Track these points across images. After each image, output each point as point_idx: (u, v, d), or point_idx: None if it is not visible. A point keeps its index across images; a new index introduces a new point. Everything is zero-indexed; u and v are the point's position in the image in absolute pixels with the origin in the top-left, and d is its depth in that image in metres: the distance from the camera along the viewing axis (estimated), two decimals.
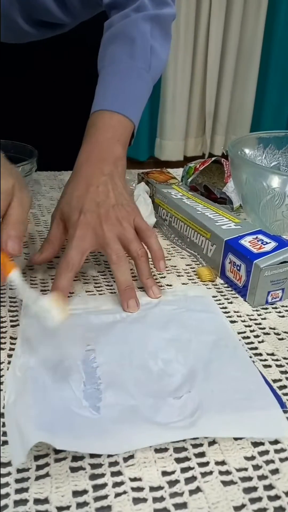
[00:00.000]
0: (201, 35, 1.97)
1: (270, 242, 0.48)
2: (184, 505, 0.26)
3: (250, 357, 0.38)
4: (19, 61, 0.80)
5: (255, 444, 0.31)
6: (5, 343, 0.39)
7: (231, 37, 2.00)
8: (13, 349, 0.38)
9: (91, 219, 0.45)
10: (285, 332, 0.42)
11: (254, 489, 0.28)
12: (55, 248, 0.47)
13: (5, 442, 0.30)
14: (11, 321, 0.42)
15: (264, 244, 0.47)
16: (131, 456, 0.29)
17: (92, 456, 0.29)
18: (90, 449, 0.28)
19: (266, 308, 0.46)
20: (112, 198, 0.47)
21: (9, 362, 0.36)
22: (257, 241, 0.48)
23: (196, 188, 0.65)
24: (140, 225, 0.47)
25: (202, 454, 0.30)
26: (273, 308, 0.46)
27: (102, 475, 0.28)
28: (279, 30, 1.99)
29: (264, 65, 2.07)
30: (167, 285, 0.49)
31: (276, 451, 0.30)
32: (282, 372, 0.37)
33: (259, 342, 0.41)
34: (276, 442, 0.31)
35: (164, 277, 0.51)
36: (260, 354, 0.39)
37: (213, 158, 0.65)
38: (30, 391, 0.32)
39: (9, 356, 0.37)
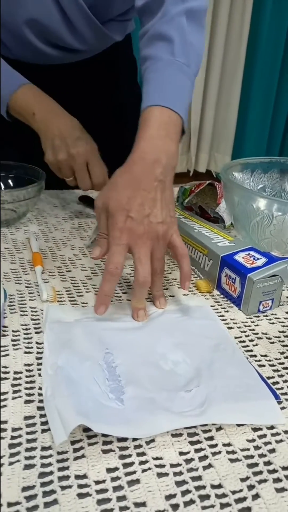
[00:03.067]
0: None
1: (261, 258, 0.54)
2: (199, 477, 0.32)
3: (246, 358, 0.44)
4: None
5: (255, 429, 0.36)
6: (32, 347, 0.44)
7: (215, 58, 2.10)
8: (39, 352, 0.43)
9: (136, 228, 0.46)
10: (275, 337, 0.48)
11: (256, 464, 0.33)
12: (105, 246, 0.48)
13: (44, 430, 0.35)
14: (34, 328, 0.47)
15: (256, 260, 0.54)
16: (152, 440, 0.34)
17: (119, 440, 0.34)
18: (120, 433, 0.34)
19: (258, 316, 0.52)
20: (159, 212, 0.48)
21: (38, 364, 0.41)
22: (250, 257, 0.55)
23: (192, 208, 0.72)
24: (175, 243, 0.49)
25: (211, 438, 0.35)
26: (264, 316, 0.52)
27: (129, 455, 0.33)
28: (261, 51, 2.10)
29: (246, 86, 2.17)
30: (170, 296, 0.55)
31: (273, 435, 0.36)
32: (274, 370, 0.43)
33: (253, 345, 0.47)
34: (272, 427, 0.37)
35: (167, 288, 0.56)
36: (255, 356, 0.45)
37: (207, 182, 0.72)
38: (64, 385, 0.37)
39: (37, 358, 0.42)
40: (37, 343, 0.44)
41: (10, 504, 0.29)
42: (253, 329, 0.50)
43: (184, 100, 0.55)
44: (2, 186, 0.73)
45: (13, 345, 0.44)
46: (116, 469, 0.32)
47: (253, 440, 0.35)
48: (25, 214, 0.71)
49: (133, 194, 0.47)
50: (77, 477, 0.31)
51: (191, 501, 0.30)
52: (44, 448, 0.33)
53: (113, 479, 0.31)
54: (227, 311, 0.53)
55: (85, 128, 0.68)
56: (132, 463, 0.33)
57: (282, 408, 0.39)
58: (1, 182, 0.73)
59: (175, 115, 0.52)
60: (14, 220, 0.70)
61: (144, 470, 0.32)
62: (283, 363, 0.44)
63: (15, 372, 0.40)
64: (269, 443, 0.35)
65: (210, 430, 0.36)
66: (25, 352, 0.43)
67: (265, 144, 2.31)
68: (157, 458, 0.33)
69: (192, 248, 0.61)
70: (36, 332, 0.46)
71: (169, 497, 0.30)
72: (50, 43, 0.73)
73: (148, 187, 0.48)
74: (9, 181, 0.73)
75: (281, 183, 0.78)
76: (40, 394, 0.38)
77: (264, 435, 0.36)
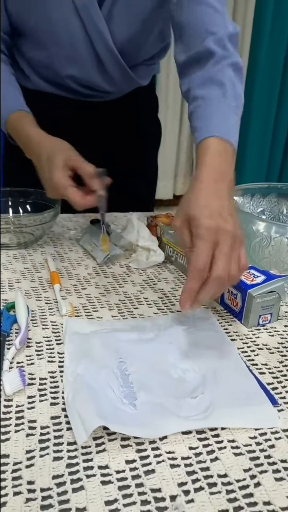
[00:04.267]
0: None
1: (260, 276, 0.59)
2: (207, 468, 0.36)
3: (248, 366, 0.49)
4: (46, 111, 0.87)
5: (257, 428, 0.41)
6: (54, 357, 0.48)
7: None
8: (61, 361, 0.48)
9: (223, 224, 0.48)
10: (274, 348, 0.53)
11: (257, 458, 0.37)
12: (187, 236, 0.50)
13: (69, 428, 0.39)
14: (55, 340, 0.51)
15: (255, 277, 0.59)
16: (165, 437, 0.39)
17: (136, 437, 0.38)
18: (134, 434, 0.38)
19: (259, 329, 0.57)
20: (232, 218, 0.50)
21: (60, 371, 0.46)
22: (250, 274, 0.60)
23: None
24: (242, 259, 0.50)
25: (217, 435, 0.39)
26: (264, 329, 0.57)
27: (145, 449, 0.37)
28: (259, 80, 2.20)
29: (245, 113, 2.27)
30: (177, 311, 0.60)
31: (272, 433, 0.40)
32: (273, 377, 0.48)
33: (254, 355, 0.51)
34: (272, 427, 0.41)
35: (174, 305, 0.61)
36: (256, 364, 0.50)
37: None
38: (84, 391, 0.42)
39: (59, 366, 0.47)
40: (58, 353, 0.49)
41: (42, 490, 0.34)
42: (254, 341, 0.54)
43: (236, 133, 0.60)
44: (21, 211, 0.79)
45: (37, 355, 0.49)
46: (134, 460, 0.36)
47: (255, 437, 0.39)
48: (42, 236, 0.77)
49: (209, 202, 0.50)
50: (100, 467, 0.36)
51: (200, 488, 0.34)
52: (69, 443, 0.38)
53: (132, 469, 0.36)
54: (230, 325, 0.57)
55: (103, 160, 0.71)
56: (147, 456, 0.37)
57: (281, 410, 0.43)
58: (20, 207, 0.79)
59: (230, 146, 0.57)
60: (31, 242, 0.75)
61: (158, 462, 0.36)
62: (281, 371, 0.49)
63: (41, 379, 0.45)
64: (269, 439, 0.39)
65: (216, 429, 0.40)
66: (48, 361, 0.48)
67: (265, 167, 2.39)
68: (169, 452, 0.37)
69: None
70: (57, 344, 0.51)
71: (181, 484, 0.35)
72: (81, 84, 0.81)
73: (219, 197, 0.51)
74: (27, 206, 0.79)
75: (279, 207, 0.84)
76: (64, 397, 0.42)
77: (265, 433, 0.40)
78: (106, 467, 0.36)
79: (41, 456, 0.36)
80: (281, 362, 0.50)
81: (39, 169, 0.68)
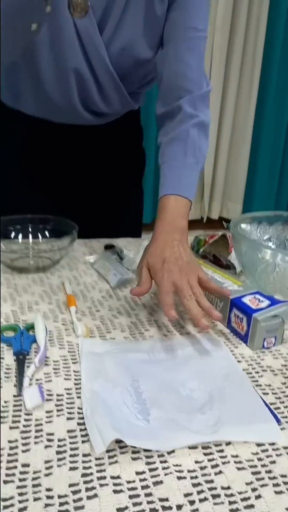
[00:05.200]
0: None
1: (265, 301, 0.62)
2: (211, 481, 0.39)
3: (253, 387, 0.52)
4: (53, 139, 0.94)
5: (259, 445, 0.43)
6: (70, 375, 0.52)
7: (226, 117, 2.28)
8: (77, 379, 0.51)
9: (173, 267, 0.63)
10: (278, 369, 0.56)
11: (259, 472, 0.40)
12: (148, 286, 0.64)
13: (84, 441, 0.42)
14: (71, 359, 0.55)
15: (260, 302, 0.62)
16: (173, 451, 0.42)
17: (145, 450, 0.41)
18: (147, 447, 0.41)
19: (263, 352, 0.59)
20: (184, 257, 0.65)
21: (76, 388, 0.49)
22: (255, 299, 0.63)
23: (206, 256, 0.81)
24: (202, 278, 0.64)
25: (221, 450, 0.42)
26: (268, 351, 0.60)
27: (154, 462, 0.40)
28: (268, 112, 2.27)
29: (255, 142, 2.33)
30: (186, 333, 0.63)
31: (273, 449, 0.43)
32: (276, 398, 0.50)
33: (259, 376, 0.54)
34: (273, 444, 0.43)
35: (182, 327, 0.65)
36: (260, 385, 0.52)
37: (220, 234, 0.82)
38: (100, 407, 0.45)
39: (75, 384, 0.50)
40: (74, 371, 0.53)
41: (60, 496, 0.37)
42: (259, 363, 0.57)
43: (192, 188, 0.74)
44: (40, 237, 0.84)
45: (55, 372, 0.52)
46: (143, 472, 0.39)
47: (257, 453, 0.42)
48: (59, 261, 0.81)
49: (163, 250, 0.65)
50: (112, 477, 0.39)
51: (205, 498, 0.37)
52: (84, 455, 0.41)
53: (141, 480, 0.38)
54: (236, 347, 0.60)
55: (92, 183, 0.76)
56: (156, 468, 0.40)
57: (283, 429, 0.45)
58: (39, 233, 0.84)
59: (186, 200, 0.71)
60: (49, 267, 0.80)
61: (166, 474, 0.39)
62: (284, 392, 0.51)
63: (58, 395, 0.48)
64: (270, 455, 0.42)
65: (220, 444, 0.43)
66: (65, 379, 0.51)
67: (275, 193, 2.43)
68: (176, 465, 0.40)
69: (206, 292, 0.69)
70: (73, 362, 0.54)
71: (186, 494, 0.37)
72: (85, 105, 0.86)
73: (172, 245, 0.66)
74: (46, 232, 0.84)
75: (284, 234, 0.87)
76: (79, 413, 0.46)
77: (266, 450, 0.43)
78: (118, 477, 0.39)
79: (59, 466, 0.40)
80: (284, 383, 0.53)
81: None
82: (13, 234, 0.83)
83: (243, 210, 2.46)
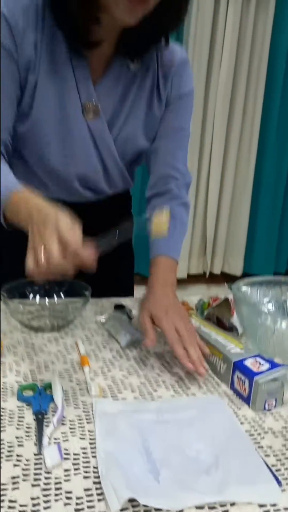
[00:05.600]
0: (203, 177, 2.40)
1: (265, 364, 0.67)
2: None
3: (255, 449, 0.55)
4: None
5: (261, 505, 0.47)
6: (85, 434, 0.56)
7: (227, 177, 2.41)
8: (91, 438, 0.55)
9: (174, 316, 0.76)
10: (278, 431, 0.59)
11: None
12: (154, 334, 0.74)
13: (99, 500, 0.46)
14: (86, 418, 0.59)
15: (261, 365, 0.67)
16: (181, 511, 0.45)
17: (156, 509, 0.45)
18: (158, 506, 0.45)
19: (265, 414, 0.63)
20: (179, 305, 0.80)
21: (91, 448, 0.53)
22: (256, 362, 0.68)
23: (210, 318, 0.87)
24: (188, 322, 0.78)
25: (226, 511, 0.46)
26: (270, 413, 0.64)
27: None
28: (266, 175, 2.41)
29: (254, 201, 2.46)
30: (192, 394, 0.67)
31: (274, 510, 0.46)
32: (277, 460, 0.54)
33: (261, 438, 0.58)
34: (274, 504, 0.47)
35: (189, 388, 0.69)
36: (262, 447, 0.56)
37: (223, 297, 0.88)
38: (115, 467, 0.49)
39: (90, 443, 0.54)
40: (89, 431, 0.57)
41: None
42: (261, 425, 0.61)
43: (178, 251, 0.90)
44: (55, 298, 0.90)
45: (71, 432, 0.56)
46: None
47: None
48: (73, 320, 0.87)
49: (162, 300, 0.80)
50: None
51: None
52: None
53: None
54: (240, 409, 0.64)
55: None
56: None
57: (283, 490, 0.49)
58: (55, 294, 0.90)
59: (174, 261, 0.88)
60: (64, 326, 0.85)
61: None
62: (284, 454, 0.55)
63: (74, 454, 0.52)
64: None
65: (225, 505, 0.46)
66: (80, 438, 0.55)
67: (274, 250, 2.52)
68: None
69: (211, 353, 0.74)
70: (87, 422, 0.58)
71: None
72: (87, 188, 0.95)
73: (171, 297, 0.82)
74: (61, 293, 0.91)
75: (283, 297, 0.93)
76: (94, 472, 0.50)
77: (268, 511, 0.46)
78: None
79: None
80: (284, 445, 0.57)
81: (37, 222, 0.62)
82: (31, 296, 0.89)
83: (244, 265, 2.54)
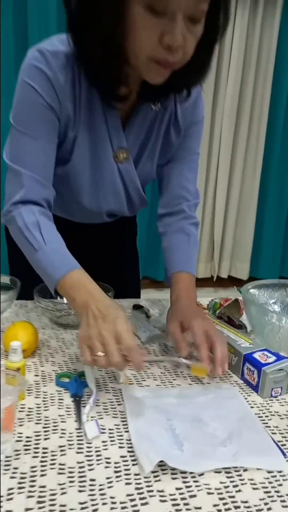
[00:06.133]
0: (210, 185, 2.49)
1: (272, 356, 0.76)
2: (233, 496, 0.51)
3: (264, 427, 0.64)
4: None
5: (269, 471, 0.55)
6: (116, 413, 0.65)
7: (234, 186, 2.51)
8: (122, 417, 0.64)
9: (203, 319, 0.81)
10: (284, 414, 0.68)
11: (269, 491, 0.52)
12: (186, 344, 0.79)
13: (134, 464, 0.55)
14: (116, 401, 0.68)
15: (268, 358, 0.76)
16: (202, 473, 0.54)
17: (182, 472, 0.54)
18: (183, 468, 0.54)
19: (272, 400, 0.72)
20: (205, 317, 0.85)
21: (123, 424, 0.63)
22: (264, 355, 0.77)
23: (221, 317, 0.96)
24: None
25: (240, 475, 0.55)
26: (276, 400, 0.72)
27: (188, 481, 0.53)
28: (272, 178, 2.51)
29: (260, 209, 2.55)
30: (207, 382, 0.76)
31: (280, 476, 0.55)
32: (282, 437, 0.63)
33: (268, 420, 0.67)
34: (280, 471, 0.56)
35: (203, 377, 0.78)
36: (269, 426, 0.65)
37: (233, 298, 0.97)
38: (145, 438, 0.58)
39: (122, 421, 0.63)
40: (120, 411, 0.66)
41: (121, 502, 0.49)
42: (268, 409, 0.70)
43: (194, 266, 0.95)
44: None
45: (105, 411, 0.66)
46: (181, 488, 0.52)
47: (268, 478, 0.54)
48: None
49: (189, 308, 0.85)
50: (158, 491, 0.51)
51: (229, 509, 0.49)
52: (135, 474, 0.53)
53: (180, 493, 0.51)
54: (249, 395, 0.73)
55: (93, 267, 0.85)
56: (191, 486, 0.52)
57: (287, 460, 0.58)
58: None
59: (191, 275, 0.93)
60: None
61: (199, 490, 0.52)
62: None
63: (109, 429, 0.62)
64: (278, 480, 0.54)
65: (239, 470, 0.55)
66: (113, 417, 0.64)
67: (280, 254, 2.61)
68: (206, 484, 0.53)
69: None
70: (118, 404, 0.68)
71: (215, 505, 0.50)
72: (111, 215, 1.03)
73: (198, 307, 0.90)
74: None
75: None
76: (128, 443, 0.59)
77: (275, 475, 0.55)
78: (162, 491, 0.51)
79: (117, 481, 0.52)
80: None
81: (94, 316, 0.68)
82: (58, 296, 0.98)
83: (251, 269, 2.62)
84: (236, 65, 2.34)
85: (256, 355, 0.77)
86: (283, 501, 0.51)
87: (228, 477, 0.54)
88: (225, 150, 2.46)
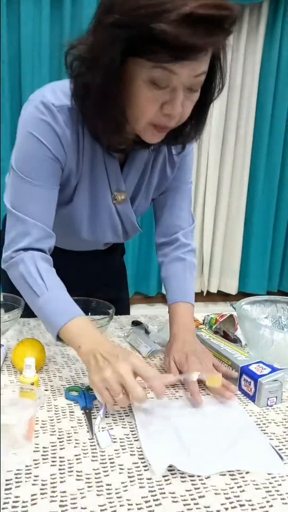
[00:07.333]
0: (199, 204, 2.58)
1: (266, 368, 0.82)
2: (238, 496, 0.56)
3: (262, 434, 0.69)
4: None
5: (269, 473, 0.61)
6: (125, 424, 0.70)
7: (222, 204, 2.60)
8: (131, 427, 0.69)
9: (194, 359, 0.82)
10: (280, 422, 0.74)
11: (270, 491, 0.57)
12: (177, 373, 0.81)
13: (146, 470, 0.59)
14: (124, 413, 0.73)
15: (263, 369, 0.81)
16: (209, 476, 0.59)
17: (190, 475, 0.59)
18: (192, 472, 0.59)
19: (268, 409, 0.78)
20: (200, 348, 0.87)
21: (132, 434, 0.67)
22: (259, 367, 0.82)
23: (217, 332, 1.02)
24: (215, 363, 0.85)
25: (243, 477, 0.60)
26: (272, 408, 0.78)
27: (197, 483, 0.58)
28: (258, 196, 2.61)
29: (248, 226, 2.64)
30: (207, 394, 0.81)
31: (279, 477, 0.60)
32: (279, 442, 0.68)
33: (266, 427, 0.72)
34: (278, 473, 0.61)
35: (204, 389, 0.83)
36: (267, 433, 0.70)
37: (228, 314, 1.03)
38: (156, 445, 0.63)
39: (131, 431, 0.68)
40: (128, 422, 0.70)
41: (136, 504, 0.54)
42: (265, 417, 0.75)
43: (192, 294, 0.99)
44: None
45: (114, 422, 0.70)
46: (190, 490, 0.57)
47: (268, 479, 0.60)
48: None
49: (183, 347, 0.86)
50: (169, 492, 0.56)
51: (234, 507, 0.54)
52: (148, 478, 0.58)
53: (190, 495, 0.56)
54: (247, 405, 0.79)
55: (83, 286, 0.92)
56: (199, 488, 0.57)
57: (285, 463, 0.63)
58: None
59: (189, 304, 0.96)
60: None
61: (206, 491, 0.57)
62: (285, 438, 0.69)
63: (120, 438, 0.66)
64: (277, 480, 0.59)
65: (242, 473, 0.60)
66: (122, 427, 0.69)
67: (267, 269, 2.70)
68: (213, 485, 0.58)
69: (221, 360, 0.89)
70: (126, 415, 0.72)
71: (222, 503, 0.55)
72: (107, 244, 1.08)
73: (195, 342, 0.89)
74: (89, 312, 1.05)
75: (278, 313, 1.08)
76: (138, 450, 0.63)
77: (274, 477, 0.60)
78: (174, 492, 0.56)
79: (132, 485, 0.57)
80: (284, 431, 0.71)
81: (104, 359, 0.70)
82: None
83: (239, 284, 2.70)
84: None
85: (252, 367, 0.82)
86: (283, 499, 0.56)
87: (232, 479, 0.59)
88: (212, 168, 2.56)
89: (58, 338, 0.78)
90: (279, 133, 2.58)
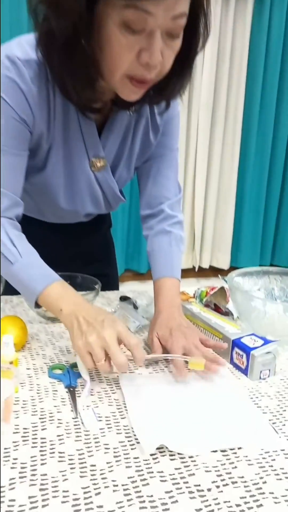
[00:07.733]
0: (189, 177, 2.52)
1: (259, 340, 0.78)
2: (230, 472, 0.53)
3: (256, 408, 0.67)
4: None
5: (263, 450, 0.58)
6: (112, 401, 0.66)
7: (213, 177, 2.54)
8: (118, 405, 0.65)
9: (179, 335, 0.78)
10: (273, 395, 0.71)
11: (263, 466, 0.54)
12: (160, 351, 0.78)
13: (133, 449, 0.56)
14: (110, 390, 0.69)
15: (256, 342, 0.78)
16: (198, 456, 0.56)
17: (178, 453, 0.56)
18: (181, 451, 0.55)
19: (260, 382, 0.75)
20: (185, 324, 0.83)
21: (119, 412, 0.64)
22: (251, 339, 0.79)
23: (208, 305, 0.98)
24: (202, 337, 0.80)
25: (235, 453, 0.57)
26: (265, 382, 0.75)
27: (186, 461, 0.55)
28: (250, 170, 2.56)
29: (239, 200, 2.60)
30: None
31: (273, 451, 0.57)
32: (273, 416, 0.65)
33: (259, 400, 0.69)
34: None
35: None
36: (260, 407, 0.67)
37: (219, 286, 0.99)
38: (146, 423, 0.60)
39: (117, 409, 0.65)
40: (115, 399, 0.67)
41: (122, 484, 0.50)
42: (258, 390, 0.72)
43: (179, 269, 0.93)
44: None
45: (99, 400, 0.66)
46: (180, 468, 0.53)
47: (262, 454, 0.57)
48: None
49: (168, 322, 0.82)
50: (158, 472, 0.53)
51: (226, 484, 0.51)
52: (135, 458, 0.55)
53: (179, 473, 0.53)
54: (239, 379, 0.75)
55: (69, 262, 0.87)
56: (189, 465, 0.54)
57: (279, 437, 0.60)
58: None
59: (176, 280, 0.91)
60: None
61: (197, 468, 0.53)
62: (278, 411, 0.66)
63: (106, 417, 0.63)
64: (271, 455, 0.57)
65: (234, 448, 0.57)
66: (109, 405, 0.65)
67: (259, 243, 2.67)
68: (203, 463, 0.54)
69: (211, 334, 0.85)
70: (112, 393, 0.69)
71: (213, 481, 0.52)
72: (89, 215, 1.01)
73: (178, 317, 0.85)
74: (74, 287, 1.00)
75: (271, 285, 1.05)
76: (125, 429, 0.60)
77: (268, 452, 0.57)
78: (162, 472, 0.53)
79: (117, 465, 0.53)
80: (278, 405, 0.68)
81: (88, 322, 0.68)
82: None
83: (231, 259, 2.67)
84: (211, 57, 2.37)
85: (244, 340, 0.79)
86: (277, 474, 0.53)
87: (224, 455, 0.56)
88: (202, 141, 2.48)
89: (37, 305, 0.76)
90: (270, 104, 2.50)
